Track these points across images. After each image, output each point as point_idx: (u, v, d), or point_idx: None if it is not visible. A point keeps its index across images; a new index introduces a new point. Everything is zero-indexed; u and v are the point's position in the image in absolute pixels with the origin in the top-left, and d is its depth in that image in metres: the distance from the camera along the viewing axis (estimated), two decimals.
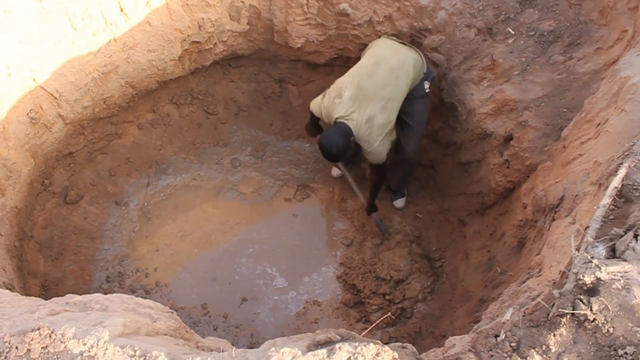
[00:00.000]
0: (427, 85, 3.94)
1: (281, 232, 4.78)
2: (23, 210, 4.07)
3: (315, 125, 4.36)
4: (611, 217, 1.94)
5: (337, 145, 3.75)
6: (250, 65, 5.10)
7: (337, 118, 3.82)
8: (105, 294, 3.17)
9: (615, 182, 1.97)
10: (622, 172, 1.99)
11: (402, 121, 4.01)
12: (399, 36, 4.27)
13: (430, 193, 4.78)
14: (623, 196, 2.00)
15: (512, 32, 3.88)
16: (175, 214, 4.88)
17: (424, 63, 3.92)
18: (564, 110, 3.47)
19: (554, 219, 2.79)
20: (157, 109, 5.06)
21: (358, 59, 4.10)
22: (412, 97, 3.90)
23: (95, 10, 3.91)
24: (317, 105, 4.04)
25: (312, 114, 4.18)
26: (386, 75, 3.76)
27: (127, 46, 4.23)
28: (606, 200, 1.93)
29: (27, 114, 3.90)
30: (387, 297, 4.26)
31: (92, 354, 1.82)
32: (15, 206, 3.92)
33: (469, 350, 1.80)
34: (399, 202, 4.78)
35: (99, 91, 4.29)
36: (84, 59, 4.04)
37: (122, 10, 4.04)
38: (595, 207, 1.98)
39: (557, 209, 2.79)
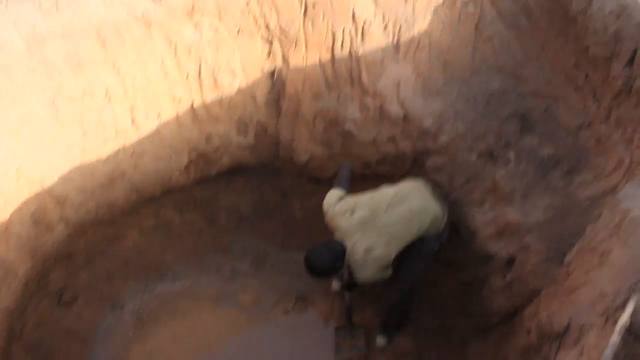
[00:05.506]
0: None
1: (278, 345, 4.62)
2: (15, 311, 3.98)
3: None
4: (621, 356, 1.90)
5: (322, 265, 3.56)
6: (254, 176, 5.19)
7: (337, 230, 3.72)
8: None
9: (623, 319, 1.95)
10: (629, 309, 1.97)
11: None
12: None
13: (431, 311, 4.67)
14: (632, 334, 1.97)
15: (512, 159, 3.96)
16: (171, 320, 4.74)
17: (445, 224, 3.84)
18: (566, 235, 3.48)
19: (559, 348, 2.73)
20: (159, 215, 5.09)
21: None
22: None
23: (108, 120, 4.04)
24: (329, 204, 3.83)
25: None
26: (402, 213, 3.66)
27: (135, 154, 4.32)
28: (615, 338, 1.89)
29: (31, 215, 3.92)
30: None
31: None
32: (7, 307, 3.84)
33: None
34: (381, 340, 4.55)
35: (105, 196, 4.34)
36: (93, 165, 4.13)
37: (133, 121, 4.17)
38: (604, 344, 1.94)
39: (563, 338, 2.73)
